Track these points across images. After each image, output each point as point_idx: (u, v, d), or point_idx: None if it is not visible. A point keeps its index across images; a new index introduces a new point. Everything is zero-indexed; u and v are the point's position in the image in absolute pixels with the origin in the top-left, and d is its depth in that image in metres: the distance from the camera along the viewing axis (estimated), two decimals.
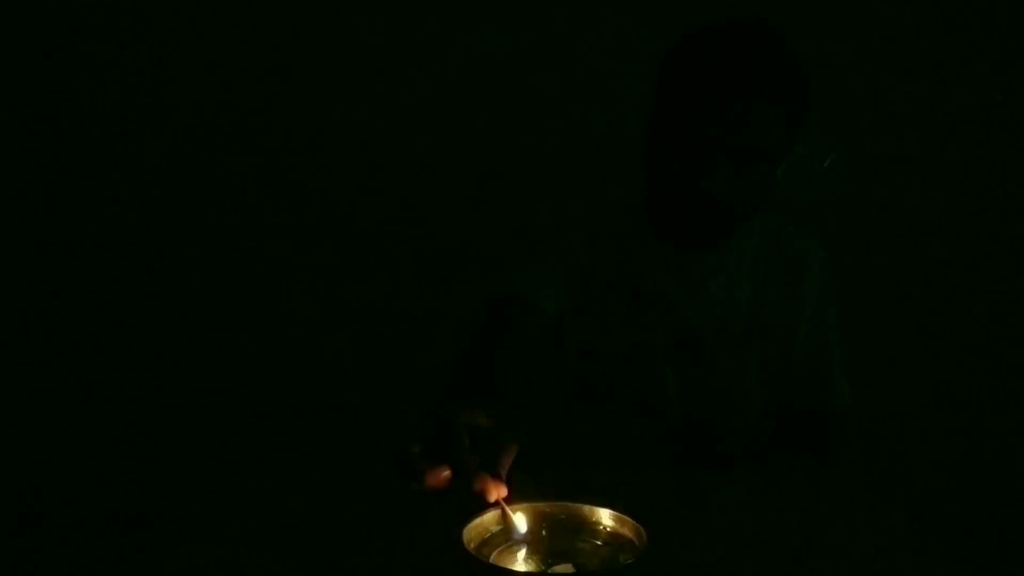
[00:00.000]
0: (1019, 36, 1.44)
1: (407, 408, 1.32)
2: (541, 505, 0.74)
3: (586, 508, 0.74)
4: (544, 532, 0.74)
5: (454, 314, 1.47)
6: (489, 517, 0.71)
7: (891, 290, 1.52)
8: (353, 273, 1.57)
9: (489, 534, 0.71)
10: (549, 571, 0.68)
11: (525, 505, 0.73)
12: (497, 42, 1.46)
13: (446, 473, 0.74)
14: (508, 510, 0.70)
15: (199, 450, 1.60)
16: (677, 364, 1.14)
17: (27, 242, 1.59)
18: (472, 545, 0.68)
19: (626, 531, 0.71)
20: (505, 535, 0.71)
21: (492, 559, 0.68)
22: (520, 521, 0.70)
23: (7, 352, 1.61)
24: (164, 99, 1.54)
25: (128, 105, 1.55)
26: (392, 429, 0.81)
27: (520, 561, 0.69)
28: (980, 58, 1.45)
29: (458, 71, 1.49)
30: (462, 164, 1.51)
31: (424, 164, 1.53)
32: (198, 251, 1.58)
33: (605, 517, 0.73)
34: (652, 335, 1.13)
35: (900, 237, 1.51)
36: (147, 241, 1.57)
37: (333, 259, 1.57)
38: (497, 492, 0.70)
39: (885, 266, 1.51)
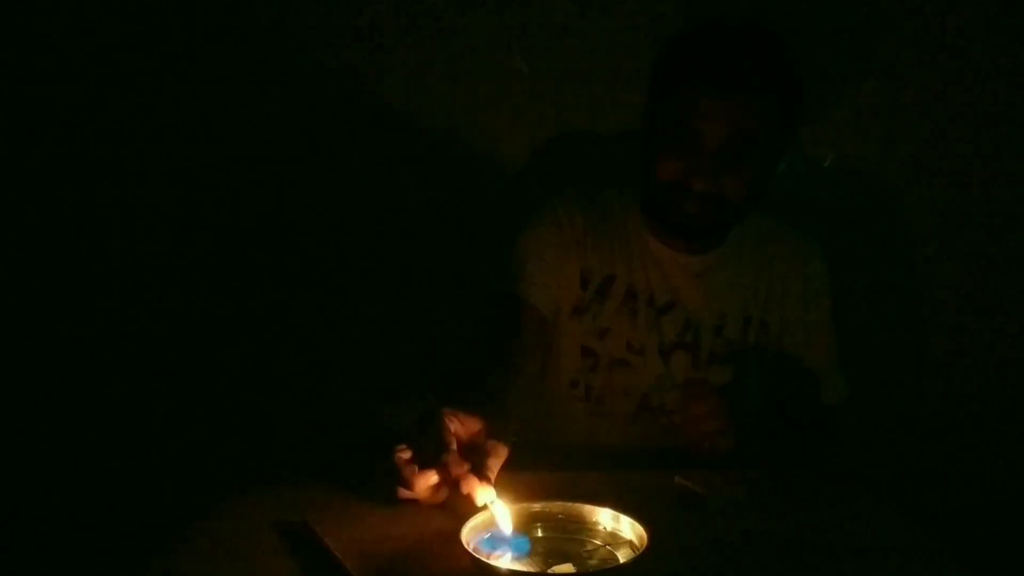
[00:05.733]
0: (1019, 36, 1.44)
1: (403, 408, 1.31)
2: (539, 505, 0.74)
3: (586, 508, 0.74)
4: (543, 532, 0.73)
5: (450, 314, 1.47)
6: (488, 517, 0.71)
7: (889, 289, 1.52)
8: (349, 272, 1.57)
9: (489, 534, 0.71)
10: (549, 571, 0.67)
11: (523, 505, 0.73)
12: (494, 40, 1.46)
13: (434, 479, 0.74)
14: (495, 512, 0.70)
15: (196, 450, 1.60)
16: (677, 363, 1.13)
17: (26, 242, 1.59)
18: (472, 545, 0.67)
19: (626, 531, 0.71)
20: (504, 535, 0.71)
21: (492, 559, 0.68)
22: (507, 522, 0.70)
23: (7, 352, 1.61)
24: (163, 98, 1.54)
25: (126, 104, 1.55)
26: (386, 430, 0.80)
27: (520, 561, 0.69)
28: (979, 57, 1.45)
29: (455, 70, 1.49)
30: (461, 163, 1.51)
31: (422, 163, 1.53)
32: (194, 249, 1.58)
33: (605, 517, 0.73)
34: (651, 335, 1.13)
35: (899, 237, 1.51)
36: (144, 242, 1.57)
37: (328, 258, 1.57)
38: (485, 495, 0.70)
39: (884, 266, 1.51)
